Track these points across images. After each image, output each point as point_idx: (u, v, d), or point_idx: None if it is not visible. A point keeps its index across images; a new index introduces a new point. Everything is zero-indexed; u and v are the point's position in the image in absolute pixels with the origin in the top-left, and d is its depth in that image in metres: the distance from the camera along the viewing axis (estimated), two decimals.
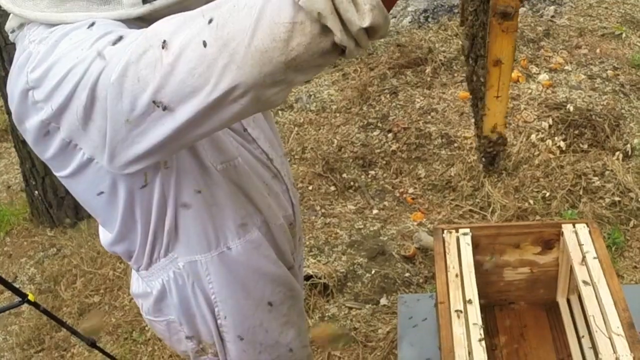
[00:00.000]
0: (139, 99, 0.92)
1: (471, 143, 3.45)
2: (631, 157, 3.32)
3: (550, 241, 1.85)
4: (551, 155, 3.33)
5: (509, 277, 1.91)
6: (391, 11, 0.90)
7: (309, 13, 0.82)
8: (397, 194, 3.33)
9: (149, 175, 1.17)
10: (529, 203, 3.12)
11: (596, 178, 3.19)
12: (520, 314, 1.94)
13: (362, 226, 3.17)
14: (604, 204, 3.07)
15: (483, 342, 1.51)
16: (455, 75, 4.00)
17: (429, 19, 4.54)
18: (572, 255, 1.73)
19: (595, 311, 1.57)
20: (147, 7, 1.07)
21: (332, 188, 3.40)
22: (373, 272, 2.91)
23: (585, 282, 1.65)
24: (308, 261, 2.90)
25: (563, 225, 1.82)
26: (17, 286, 2.52)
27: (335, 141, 3.67)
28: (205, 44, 0.87)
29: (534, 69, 3.94)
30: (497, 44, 1.00)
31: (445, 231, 1.84)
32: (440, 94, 3.88)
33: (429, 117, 3.73)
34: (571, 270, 1.76)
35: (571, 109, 3.54)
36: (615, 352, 1.45)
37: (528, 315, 1.93)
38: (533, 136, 3.43)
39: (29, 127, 1.10)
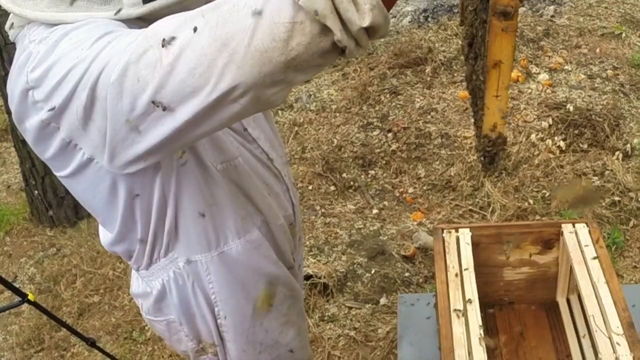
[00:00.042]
0: (139, 99, 0.92)
1: (471, 143, 3.45)
2: (631, 156, 3.31)
3: (550, 241, 1.85)
4: (551, 155, 3.33)
5: (508, 277, 1.91)
6: (391, 11, 0.90)
7: (308, 13, 0.82)
8: (397, 194, 3.33)
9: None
10: (529, 203, 3.12)
11: (596, 178, 3.20)
12: (520, 313, 1.94)
13: (362, 226, 3.17)
14: (603, 204, 3.07)
15: (483, 342, 1.51)
16: (455, 75, 4.00)
17: (429, 19, 4.54)
18: (572, 255, 1.73)
19: (595, 311, 1.57)
20: (148, 7, 1.07)
21: (332, 188, 3.40)
22: (373, 271, 2.91)
23: (585, 282, 1.64)
24: (308, 261, 2.90)
25: (563, 225, 1.82)
26: (17, 286, 2.52)
27: (335, 141, 3.67)
28: (205, 44, 0.87)
29: (534, 69, 3.94)
30: (496, 43, 1.00)
31: (445, 231, 1.84)
32: (440, 94, 3.88)
33: (429, 116, 3.73)
34: (571, 270, 1.76)
35: (571, 108, 3.54)
36: (615, 352, 1.45)
37: (528, 315, 1.93)
38: (533, 136, 3.43)
39: (29, 127, 1.10)
